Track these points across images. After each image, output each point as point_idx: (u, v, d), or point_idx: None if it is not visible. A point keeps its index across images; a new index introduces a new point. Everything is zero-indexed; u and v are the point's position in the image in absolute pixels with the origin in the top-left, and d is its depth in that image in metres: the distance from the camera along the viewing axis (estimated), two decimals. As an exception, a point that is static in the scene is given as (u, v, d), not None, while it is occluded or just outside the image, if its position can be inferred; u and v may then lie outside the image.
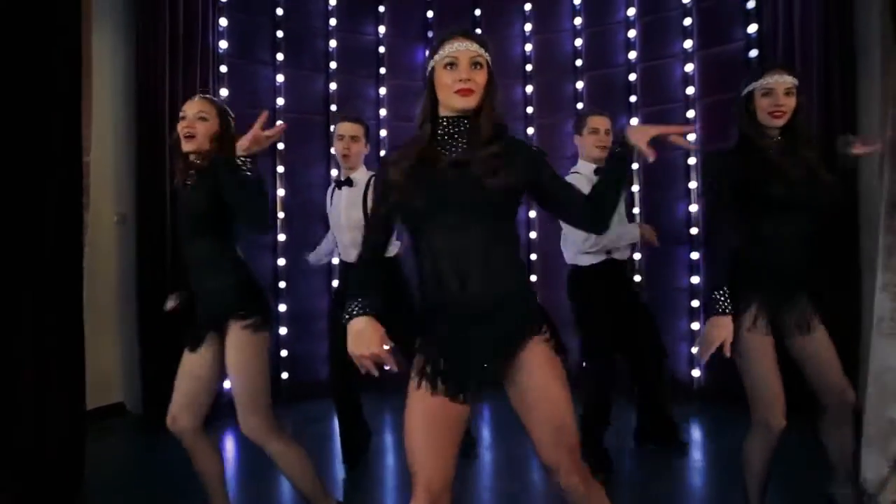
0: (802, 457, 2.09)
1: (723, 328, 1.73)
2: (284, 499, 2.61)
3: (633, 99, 4.00)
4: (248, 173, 1.78)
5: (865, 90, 3.07)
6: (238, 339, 1.83)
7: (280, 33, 3.95)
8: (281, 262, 3.92)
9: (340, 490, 2.67)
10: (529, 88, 4.28)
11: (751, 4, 3.55)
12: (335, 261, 3.99)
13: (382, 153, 4.13)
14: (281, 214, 3.92)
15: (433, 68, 1.38)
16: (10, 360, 2.06)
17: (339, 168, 4.07)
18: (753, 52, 3.53)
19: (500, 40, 4.32)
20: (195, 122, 1.87)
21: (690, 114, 3.80)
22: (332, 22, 4.12)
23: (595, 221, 1.47)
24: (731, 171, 1.83)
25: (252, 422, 1.86)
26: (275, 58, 3.94)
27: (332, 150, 4.01)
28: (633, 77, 4.00)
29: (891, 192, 2.23)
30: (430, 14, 4.31)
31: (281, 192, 3.91)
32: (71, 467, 2.29)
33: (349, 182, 2.71)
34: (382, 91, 4.22)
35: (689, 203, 3.82)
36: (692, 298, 3.81)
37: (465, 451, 2.59)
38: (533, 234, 4.23)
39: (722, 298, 1.74)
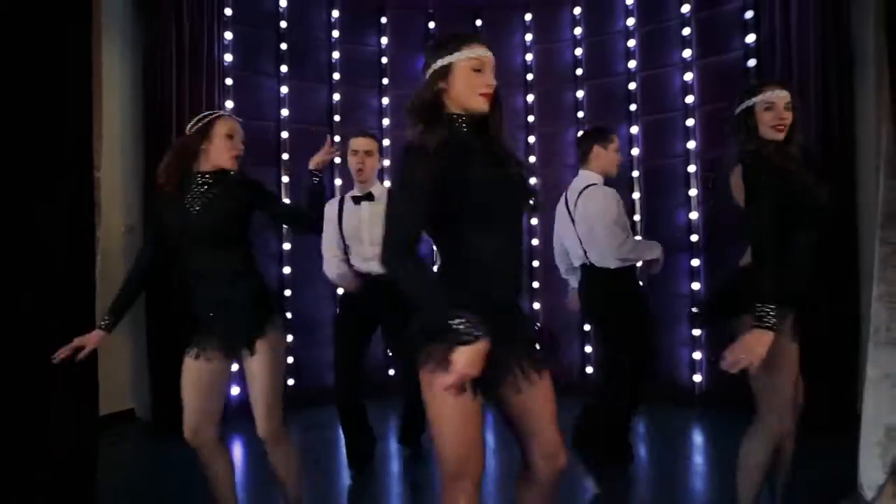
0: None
1: (766, 345, 1.70)
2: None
3: (633, 108, 4.04)
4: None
5: (863, 100, 3.11)
6: (268, 345, 1.88)
7: (284, 45, 4.01)
8: (286, 270, 3.98)
9: (345, 496, 2.71)
10: (530, 97, 4.33)
11: (749, 15, 3.59)
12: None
13: (387, 163, 4.18)
14: (286, 224, 3.97)
15: (450, 65, 1.37)
16: (25, 369, 2.11)
17: (342, 179, 4.15)
18: (752, 62, 3.57)
19: (501, 50, 4.37)
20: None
21: (690, 122, 3.85)
22: (335, 34, 4.18)
23: None
24: (774, 186, 1.81)
25: (273, 425, 1.92)
26: (279, 70, 4.00)
27: (337, 160, 4.11)
28: (632, 86, 4.04)
29: (886, 203, 2.27)
30: (431, 25, 4.37)
31: (286, 202, 3.96)
32: (84, 474, 2.33)
33: (370, 197, 2.74)
34: (385, 101, 4.28)
35: (690, 210, 3.86)
36: (693, 305, 3.84)
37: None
38: (535, 242, 4.27)
39: (773, 313, 1.70)
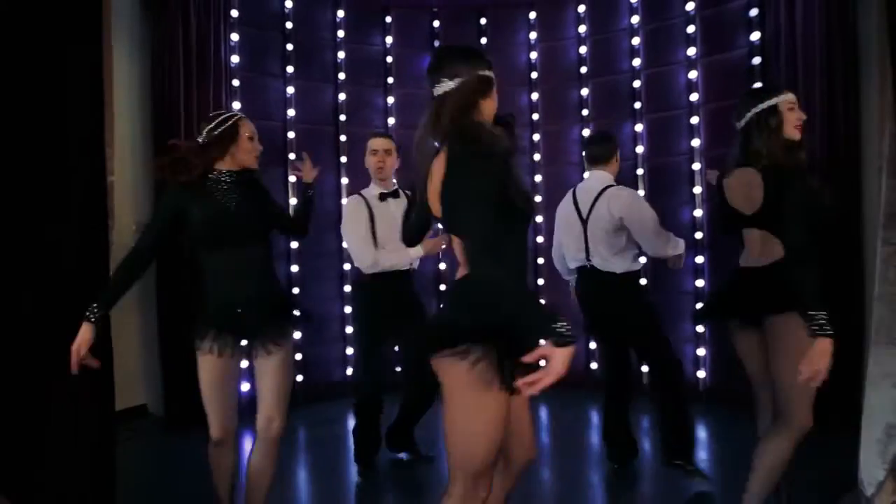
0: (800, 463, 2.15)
1: (830, 351, 1.73)
2: (301, 500, 2.72)
3: (637, 105, 4.05)
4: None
5: (868, 98, 3.11)
6: (286, 342, 1.94)
7: (290, 46, 4.04)
8: (294, 268, 4.03)
9: (353, 492, 2.77)
10: (535, 96, 4.34)
11: (753, 12, 3.59)
12: (346, 266, 4.10)
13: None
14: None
15: (488, 77, 1.43)
16: (43, 366, 2.17)
17: (348, 178, 4.18)
18: (756, 60, 3.57)
19: (506, 48, 4.39)
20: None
21: (694, 120, 3.85)
22: (340, 34, 4.20)
23: None
24: (801, 191, 1.85)
25: (282, 422, 1.97)
26: (285, 70, 4.03)
27: (343, 159, 4.15)
28: (637, 84, 4.05)
29: (888, 204, 2.29)
30: (436, 24, 4.38)
31: (293, 201, 4.00)
32: (103, 469, 2.40)
33: (396, 194, 2.80)
34: (390, 100, 4.30)
35: (694, 208, 3.88)
36: (697, 301, 3.87)
37: None
38: (540, 239, 4.31)
39: (826, 320, 1.74)
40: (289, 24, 4.04)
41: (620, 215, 2.62)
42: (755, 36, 3.58)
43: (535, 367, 1.28)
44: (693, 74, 3.85)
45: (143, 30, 3.58)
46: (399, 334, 2.85)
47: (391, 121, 4.30)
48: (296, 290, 4.03)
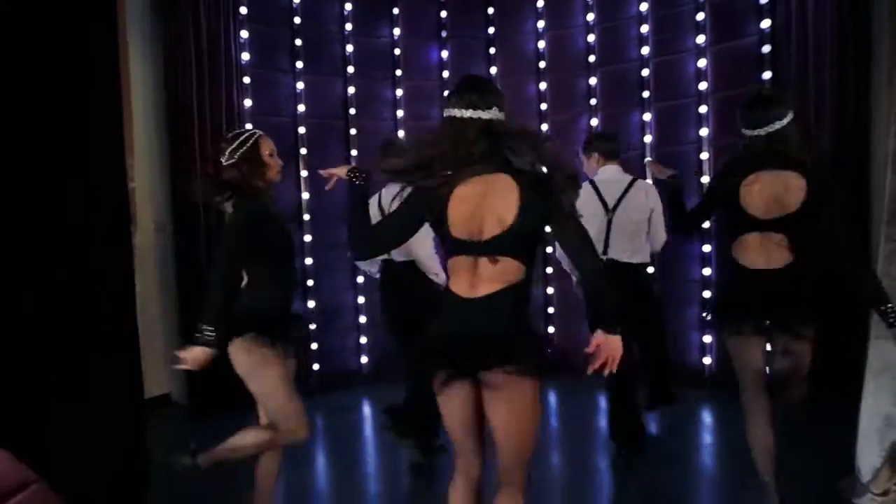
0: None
1: None
2: (321, 488, 2.87)
3: (645, 94, 4.05)
4: None
5: (879, 86, 3.08)
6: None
7: (298, 41, 4.06)
8: (308, 261, 4.13)
9: (367, 479, 2.90)
10: (543, 85, 4.34)
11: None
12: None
13: (401, 154, 4.26)
14: (307, 216, 4.10)
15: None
16: (75, 361, 2.31)
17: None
18: (766, 48, 3.54)
19: (514, 37, 4.39)
20: None
21: (703, 109, 3.85)
22: (348, 27, 4.21)
23: None
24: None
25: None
26: (294, 65, 4.07)
27: (353, 152, 4.21)
28: (646, 72, 4.04)
29: (892, 200, 2.33)
30: (443, 14, 4.37)
31: (305, 196, 4.08)
32: (135, 457, 2.56)
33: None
34: (399, 92, 4.33)
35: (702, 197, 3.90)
36: (704, 289, 3.93)
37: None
38: (548, 228, 4.36)
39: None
40: (297, 19, 4.06)
41: (652, 206, 2.80)
42: (766, 23, 3.55)
43: None
44: (702, 63, 3.83)
45: (154, 31, 3.62)
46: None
47: (400, 113, 4.33)
48: (310, 283, 4.14)
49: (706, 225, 3.90)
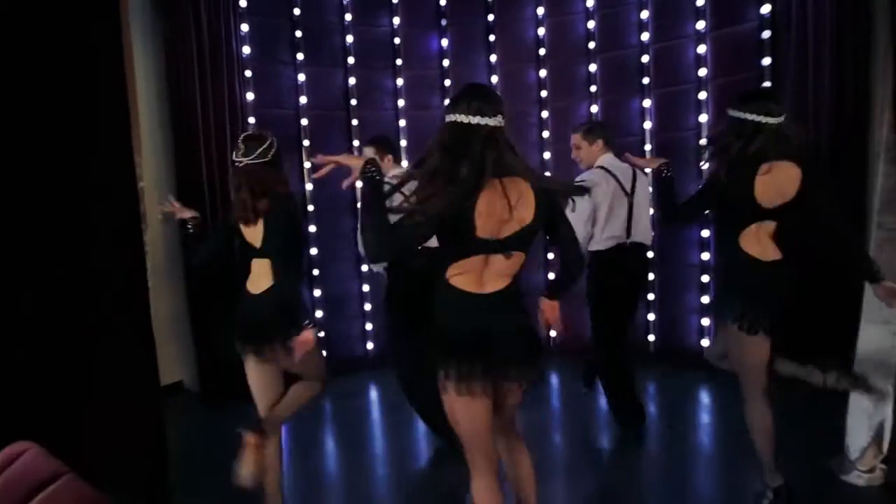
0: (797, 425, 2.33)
1: None
2: (331, 474, 2.99)
3: (645, 81, 4.06)
4: None
5: (880, 73, 3.08)
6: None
7: (299, 33, 4.07)
8: (313, 251, 4.21)
9: (374, 461, 3.02)
10: (543, 72, 4.36)
11: (764, -16, 3.53)
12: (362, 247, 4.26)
13: (404, 143, 4.31)
14: (311, 207, 4.17)
15: None
16: (94, 353, 2.43)
17: None
18: (766, 34, 3.54)
19: (513, 24, 4.38)
20: None
21: (702, 95, 3.86)
22: (348, 17, 4.21)
23: None
24: None
25: None
26: (295, 57, 4.09)
27: (356, 143, 4.26)
28: (645, 59, 4.04)
29: (885, 190, 2.37)
30: (443, 2, 4.36)
31: (309, 187, 4.14)
32: (154, 444, 2.68)
33: None
34: (400, 82, 4.35)
35: (701, 183, 3.93)
36: (703, 273, 3.99)
37: None
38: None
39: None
40: (296, 11, 4.07)
41: (649, 191, 3.00)
42: (766, 9, 3.54)
43: None
44: (702, 49, 3.83)
45: (155, 28, 3.64)
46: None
47: (401, 102, 4.36)
48: (316, 272, 4.22)
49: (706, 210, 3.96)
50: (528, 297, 1.77)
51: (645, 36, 4.03)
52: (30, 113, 2.23)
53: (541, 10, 4.31)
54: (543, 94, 4.37)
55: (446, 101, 4.31)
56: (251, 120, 3.87)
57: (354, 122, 4.25)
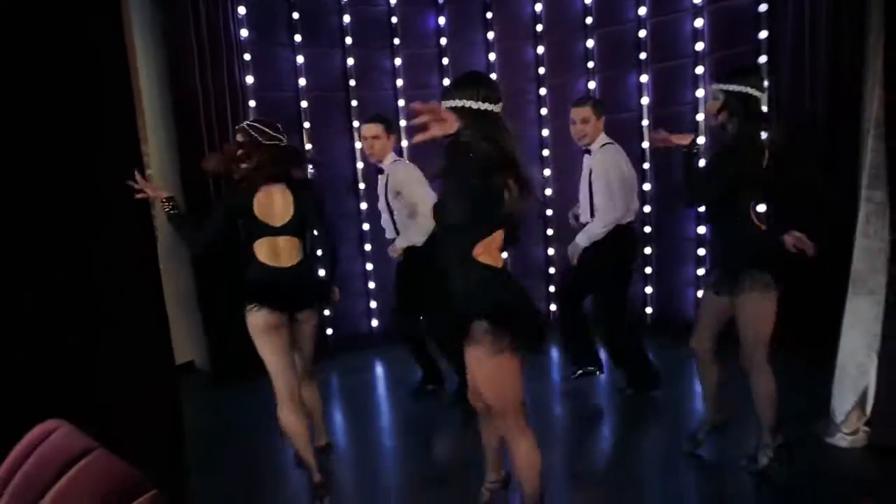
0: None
1: None
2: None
3: (642, 56, 4.06)
4: None
5: (872, 51, 3.08)
6: None
7: (296, 14, 4.07)
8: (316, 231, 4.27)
9: (380, 432, 3.16)
10: (540, 49, 4.35)
11: (761, -45, 3.51)
12: (366, 226, 4.34)
13: (403, 123, 4.34)
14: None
15: None
16: (112, 334, 2.54)
17: (363, 163, 4.30)
18: (763, 7, 3.53)
19: (510, 1, 4.36)
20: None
21: (699, 70, 3.87)
22: (345, -4, 4.20)
23: None
24: None
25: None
26: (293, 39, 4.09)
27: (358, 144, 4.28)
28: (642, 33, 4.03)
29: (872, 165, 2.43)
30: (439, -21, 4.34)
31: (311, 169, 4.18)
32: (171, 422, 2.81)
33: (381, 171, 3.22)
34: (398, 62, 4.35)
35: (700, 158, 3.96)
36: (699, 247, 4.06)
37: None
38: (549, 192, 4.47)
39: None
40: (293, -8, 4.06)
41: None
42: (762, -20, 3.52)
43: None
44: (699, 22, 3.82)
45: (154, 16, 3.65)
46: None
47: (399, 82, 4.37)
48: (319, 252, 4.29)
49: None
50: (528, 274, 1.86)
51: (642, 10, 4.02)
52: (41, 105, 2.30)
53: (538, -14, 4.29)
54: (541, 70, 4.38)
55: (445, 81, 4.39)
56: (252, 104, 3.90)
57: (354, 102, 4.27)
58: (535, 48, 4.36)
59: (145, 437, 2.62)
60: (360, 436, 3.15)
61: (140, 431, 2.59)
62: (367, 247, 4.39)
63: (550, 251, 4.55)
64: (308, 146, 4.16)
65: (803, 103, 3.34)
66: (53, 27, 2.31)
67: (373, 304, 4.48)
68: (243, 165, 2.28)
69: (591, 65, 4.24)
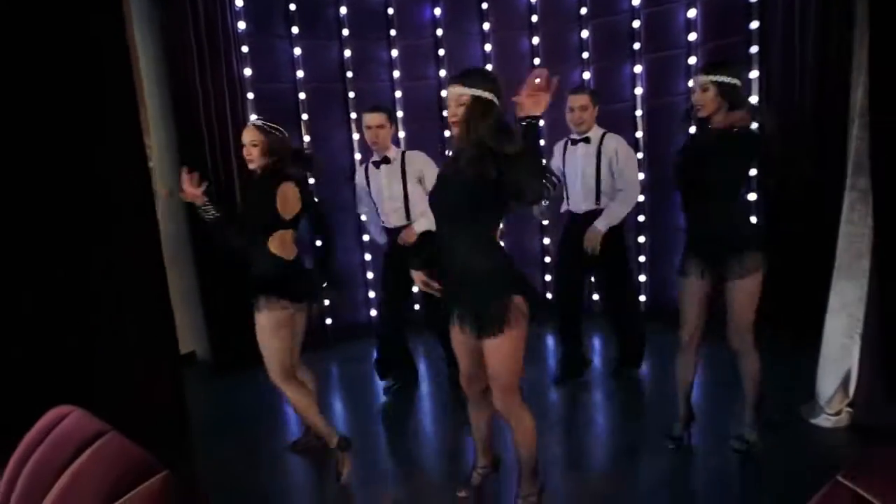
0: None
1: None
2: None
3: (636, 46, 4.09)
4: None
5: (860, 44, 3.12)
6: None
7: (293, 6, 4.09)
8: (315, 222, 4.32)
9: (378, 420, 3.23)
10: (536, 40, 4.38)
11: (753, -54, 3.53)
12: (364, 217, 4.38)
13: (400, 114, 4.37)
14: (311, 180, 4.26)
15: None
16: (118, 324, 2.60)
17: (360, 153, 4.34)
18: (755, -2, 3.57)
19: (506, -9, 4.38)
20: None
21: (692, 60, 3.91)
22: (341, -12, 4.22)
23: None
24: None
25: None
26: (290, 31, 4.12)
27: (355, 136, 4.31)
28: (636, 24, 4.07)
29: (857, 154, 2.48)
30: (434, -30, 4.35)
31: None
32: (176, 409, 2.89)
33: (387, 160, 3.18)
34: (395, 53, 4.38)
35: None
36: (692, 236, 4.12)
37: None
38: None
39: None
40: (290, -17, 4.07)
41: None
42: (754, -28, 3.55)
43: None
44: (692, 13, 3.86)
45: (151, 10, 3.66)
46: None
47: (396, 73, 4.40)
48: (318, 243, 4.34)
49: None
50: (524, 263, 1.97)
51: (636, 1, 4.05)
52: (43, 100, 2.34)
53: (533, -23, 4.30)
54: (536, 61, 4.40)
55: (442, 72, 4.42)
56: (250, 96, 3.94)
57: (351, 94, 4.30)
58: (531, 39, 4.39)
59: (151, 425, 2.68)
60: (359, 423, 3.22)
61: (145, 420, 2.66)
62: (365, 238, 4.44)
63: (546, 241, 4.61)
64: (306, 138, 4.20)
65: (793, 92, 3.39)
66: (54, 23, 2.34)
67: (371, 294, 4.54)
68: (263, 160, 2.38)
69: (585, 55, 4.28)
